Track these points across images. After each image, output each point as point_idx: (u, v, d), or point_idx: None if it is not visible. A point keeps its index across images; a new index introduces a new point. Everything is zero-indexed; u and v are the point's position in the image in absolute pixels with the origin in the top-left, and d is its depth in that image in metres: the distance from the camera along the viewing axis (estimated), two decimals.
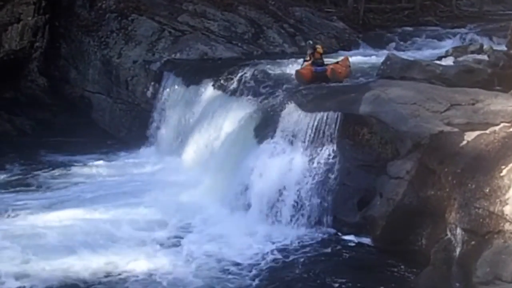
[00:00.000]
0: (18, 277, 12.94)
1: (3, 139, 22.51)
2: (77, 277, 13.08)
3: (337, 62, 19.18)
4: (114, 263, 13.65)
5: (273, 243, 14.64)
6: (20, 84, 24.50)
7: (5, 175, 19.43)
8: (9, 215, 16.09)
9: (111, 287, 12.80)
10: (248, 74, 19.45)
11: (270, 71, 19.66)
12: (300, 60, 19.58)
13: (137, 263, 13.61)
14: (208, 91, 19.95)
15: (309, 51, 18.88)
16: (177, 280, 12.96)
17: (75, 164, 20.32)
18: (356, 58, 21.99)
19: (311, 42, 19.81)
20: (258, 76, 19.16)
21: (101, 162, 20.49)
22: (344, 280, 12.91)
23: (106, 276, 13.15)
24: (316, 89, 17.41)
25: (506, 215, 11.45)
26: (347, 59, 19.75)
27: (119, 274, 13.22)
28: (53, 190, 18.16)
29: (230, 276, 13.20)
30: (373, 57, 22.48)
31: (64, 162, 20.53)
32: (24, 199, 17.37)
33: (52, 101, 24.63)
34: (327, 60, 19.32)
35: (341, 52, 23.85)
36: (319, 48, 18.97)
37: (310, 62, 18.63)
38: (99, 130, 23.43)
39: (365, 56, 23.07)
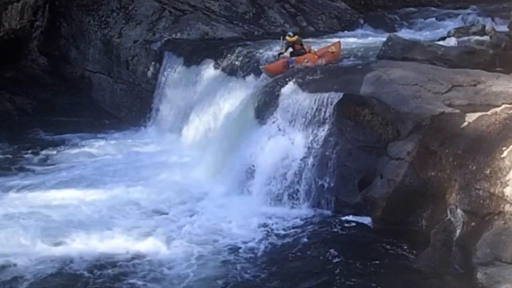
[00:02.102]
0: (5, 266, 12.69)
1: (4, 118, 22.54)
2: (69, 264, 12.81)
3: (309, 51, 18.36)
4: (111, 246, 13.55)
5: (274, 223, 14.65)
6: (21, 63, 24.50)
7: (2, 156, 19.43)
8: (4, 196, 16.01)
9: (109, 271, 12.54)
10: (249, 54, 19.38)
11: (270, 51, 19.57)
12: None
13: (133, 247, 13.49)
14: (209, 71, 19.92)
15: (284, 44, 18.33)
16: (177, 263, 12.83)
17: (75, 143, 20.37)
18: (357, 39, 21.93)
19: (282, 37, 19.01)
20: (258, 56, 19.09)
21: (101, 142, 20.50)
22: (344, 260, 12.92)
23: (104, 260, 12.99)
24: (317, 70, 17.35)
25: (507, 196, 11.47)
26: (335, 45, 19.08)
27: (116, 258, 13.00)
28: (52, 170, 18.14)
29: (231, 257, 13.19)
30: (375, 37, 22.37)
31: (63, 141, 20.57)
32: (20, 179, 17.37)
33: (52, 81, 24.63)
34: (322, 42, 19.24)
35: (341, 33, 23.77)
36: (289, 37, 18.17)
37: (286, 54, 18.26)
38: (100, 110, 23.42)
39: (367, 36, 22.98)
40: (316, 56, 18.07)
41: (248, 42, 21.16)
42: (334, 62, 18.36)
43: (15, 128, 21.80)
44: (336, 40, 20.22)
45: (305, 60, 17.74)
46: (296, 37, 18.20)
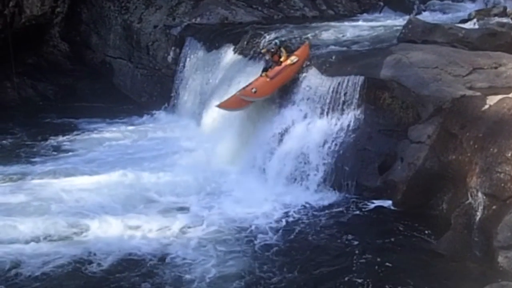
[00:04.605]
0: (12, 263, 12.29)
1: (27, 104, 22.75)
2: (84, 261, 12.53)
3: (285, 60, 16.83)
4: (130, 229, 13.58)
5: (293, 206, 14.72)
6: (42, 49, 24.61)
7: (23, 141, 19.53)
8: (24, 183, 15.97)
9: (125, 269, 12.30)
10: (270, 39, 19.34)
11: (290, 35, 19.54)
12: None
13: (153, 228, 13.56)
14: (229, 55, 19.90)
15: (267, 56, 17.23)
16: (197, 259, 12.61)
17: (96, 129, 20.46)
18: (377, 22, 21.83)
19: (277, 42, 17.72)
20: (280, 41, 19.03)
21: (122, 127, 20.58)
22: (364, 244, 12.99)
23: (120, 243, 12.95)
24: (337, 53, 17.30)
25: None
26: (299, 52, 17.19)
27: (132, 255, 12.76)
28: (73, 155, 18.23)
29: (250, 240, 13.29)
30: (395, 20, 22.24)
31: (84, 127, 20.67)
32: (42, 163, 17.44)
33: (73, 67, 24.74)
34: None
35: (361, 16, 23.61)
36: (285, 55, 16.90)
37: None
38: (121, 95, 23.50)
39: (387, 19, 22.84)
40: (267, 80, 16.47)
41: (268, 26, 21.09)
42: (298, 71, 16.74)
43: (37, 114, 21.93)
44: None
45: (253, 90, 16.31)
46: (284, 55, 16.93)
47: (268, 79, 16.51)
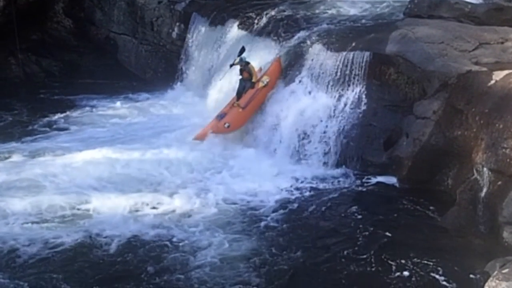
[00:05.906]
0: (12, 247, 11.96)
1: (32, 81, 22.74)
2: (88, 229, 12.54)
3: (258, 80, 16.79)
4: (131, 210, 13.37)
5: (299, 183, 14.75)
6: (46, 25, 24.54)
7: (22, 117, 19.46)
8: (29, 160, 15.75)
9: (129, 237, 12.28)
10: (274, 14, 19.25)
11: (295, 11, 19.43)
12: None
13: (156, 210, 13.43)
14: (233, 31, 19.78)
15: (239, 61, 16.99)
16: (201, 230, 12.65)
17: (100, 105, 20.37)
18: None
19: (243, 57, 17.10)
20: (284, 16, 18.96)
21: (126, 103, 20.52)
22: (369, 219, 13.02)
23: (122, 226, 12.70)
24: (342, 29, 17.22)
25: None
26: (269, 71, 17.01)
27: (136, 222, 12.81)
28: (77, 132, 18.15)
29: (255, 220, 13.23)
30: None
31: (88, 103, 20.57)
32: (45, 140, 17.40)
33: (78, 43, 24.68)
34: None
35: None
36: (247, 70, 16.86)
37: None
38: (125, 72, 23.46)
39: None
40: (240, 110, 16.45)
41: (273, 2, 20.94)
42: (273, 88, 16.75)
43: (40, 90, 21.92)
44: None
45: (225, 125, 16.20)
46: (255, 75, 16.87)
47: (240, 110, 16.42)
